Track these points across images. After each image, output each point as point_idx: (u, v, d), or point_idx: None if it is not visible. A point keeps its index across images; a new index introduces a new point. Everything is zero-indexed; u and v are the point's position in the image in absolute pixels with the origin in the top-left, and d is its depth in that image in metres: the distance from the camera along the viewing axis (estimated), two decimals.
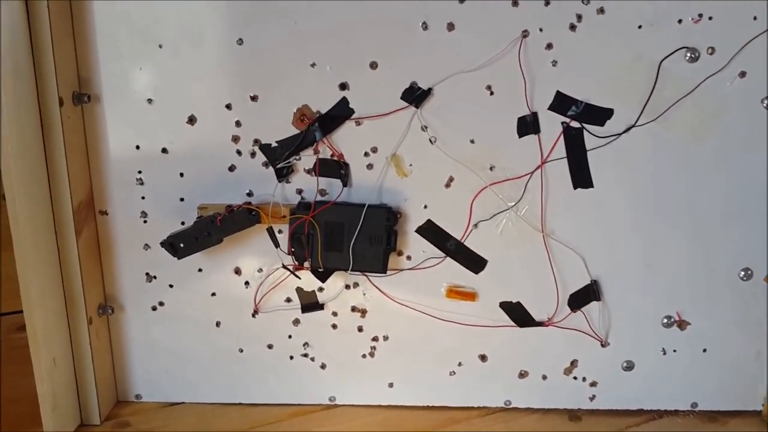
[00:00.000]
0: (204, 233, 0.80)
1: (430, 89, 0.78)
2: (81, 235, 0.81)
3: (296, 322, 0.87)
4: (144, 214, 0.84)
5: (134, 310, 0.87)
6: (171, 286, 0.86)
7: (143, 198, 0.83)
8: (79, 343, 0.83)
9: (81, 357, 0.84)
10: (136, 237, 0.85)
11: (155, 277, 0.86)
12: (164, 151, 0.81)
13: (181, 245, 0.80)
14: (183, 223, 0.83)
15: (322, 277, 0.84)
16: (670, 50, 0.75)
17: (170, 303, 0.87)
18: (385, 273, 0.82)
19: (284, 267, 0.82)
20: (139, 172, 0.82)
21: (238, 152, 0.81)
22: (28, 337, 0.77)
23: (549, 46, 0.76)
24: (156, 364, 0.89)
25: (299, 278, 0.83)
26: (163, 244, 0.81)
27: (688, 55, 0.76)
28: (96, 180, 0.83)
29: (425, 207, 0.82)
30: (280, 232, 0.82)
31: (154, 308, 0.87)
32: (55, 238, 0.79)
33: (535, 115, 0.78)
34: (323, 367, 0.89)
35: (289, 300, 0.86)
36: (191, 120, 0.80)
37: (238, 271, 0.85)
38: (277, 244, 0.81)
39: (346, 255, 0.80)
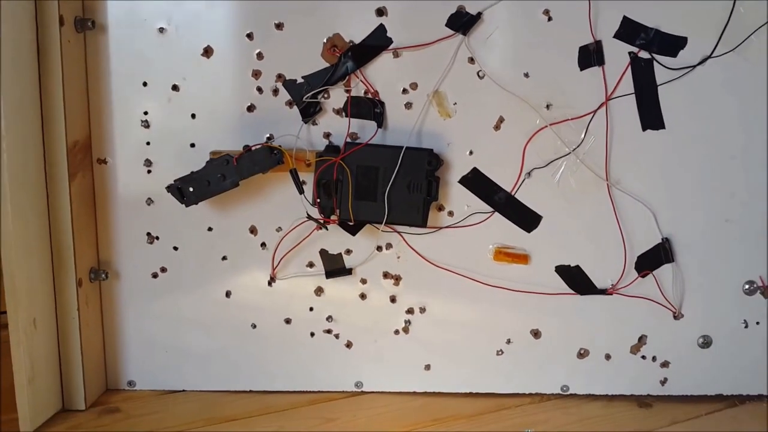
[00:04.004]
0: (217, 175, 0.69)
1: (479, 14, 0.69)
2: (75, 179, 0.70)
3: (319, 291, 0.76)
4: (148, 163, 0.73)
5: (131, 277, 0.76)
6: (175, 248, 0.75)
7: (148, 144, 0.73)
8: (65, 308, 0.71)
9: (66, 325, 0.72)
10: (138, 190, 0.74)
11: (157, 238, 0.75)
12: (175, 88, 0.72)
13: (191, 189, 0.69)
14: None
15: (353, 230, 0.73)
16: None
17: (174, 269, 0.76)
18: (425, 226, 0.71)
19: (309, 218, 0.71)
20: (145, 113, 0.72)
21: (259, 89, 0.71)
22: (5, 291, 0.65)
23: None
24: (154, 344, 0.77)
25: (326, 229, 0.72)
26: (169, 188, 0.70)
27: None
28: (95, 121, 0.73)
29: (470, 153, 0.72)
30: (304, 182, 0.72)
31: (154, 275, 0.76)
32: (44, 179, 0.68)
33: (598, 43, 0.69)
34: (349, 345, 0.77)
35: (311, 265, 0.75)
36: (207, 52, 0.71)
37: (253, 231, 0.74)
38: (301, 191, 0.70)
39: (380, 205, 0.70)
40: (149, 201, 0.74)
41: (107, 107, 0.72)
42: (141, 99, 0.72)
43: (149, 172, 0.73)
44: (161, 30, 0.70)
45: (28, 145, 0.66)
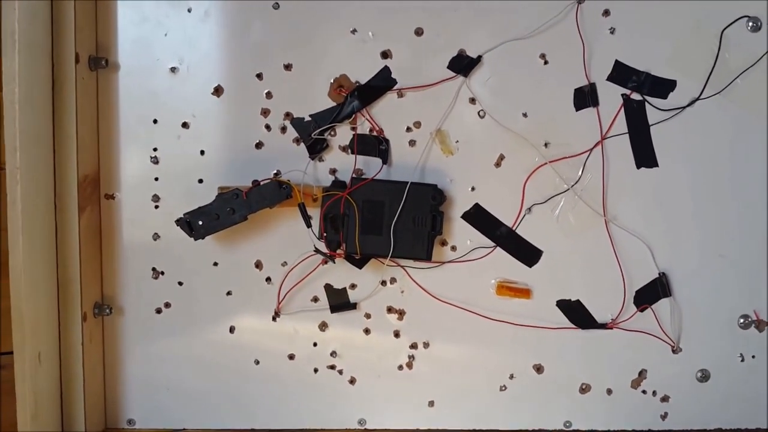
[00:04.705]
0: (227, 209, 0.70)
1: (479, 58, 0.72)
2: (83, 213, 0.71)
3: (323, 326, 0.76)
4: (156, 198, 0.74)
5: (135, 312, 0.76)
6: (180, 283, 0.75)
7: (156, 180, 0.74)
8: (69, 343, 0.70)
9: (70, 360, 0.71)
10: (145, 225, 0.75)
11: (162, 273, 0.75)
12: (185, 125, 0.73)
13: (200, 223, 0.70)
14: None
15: (359, 264, 0.74)
16: (732, 18, 0.72)
17: (178, 304, 0.76)
18: (430, 260, 0.72)
19: (317, 251, 0.72)
20: (155, 149, 0.74)
21: (267, 127, 0.73)
22: (13, 325, 0.65)
23: (606, 12, 0.72)
24: (155, 381, 0.76)
25: (333, 262, 0.73)
26: (179, 222, 0.71)
27: (750, 24, 0.72)
28: (105, 156, 0.74)
29: (472, 189, 0.74)
30: (310, 217, 0.73)
31: (158, 311, 0.76)
32: (54, 212, 0.69)
33: (593, 86, 0.73)
34: (352, 381, 0.77)
35: (316, 300, 0.76)
36: (217, 91, 0.73)
37: (258, 265, 0.75)
38: (309, 224, 0.71)
39: (386, 239, 0.71)
40: (155, 236, 0.75)
41: (117, 143, 0.74)
42: (151, 136, 0.74)
43: (156, 207, 0.74)
44: (173, 69, 0.73)
45: (40, 178, 0.67)
